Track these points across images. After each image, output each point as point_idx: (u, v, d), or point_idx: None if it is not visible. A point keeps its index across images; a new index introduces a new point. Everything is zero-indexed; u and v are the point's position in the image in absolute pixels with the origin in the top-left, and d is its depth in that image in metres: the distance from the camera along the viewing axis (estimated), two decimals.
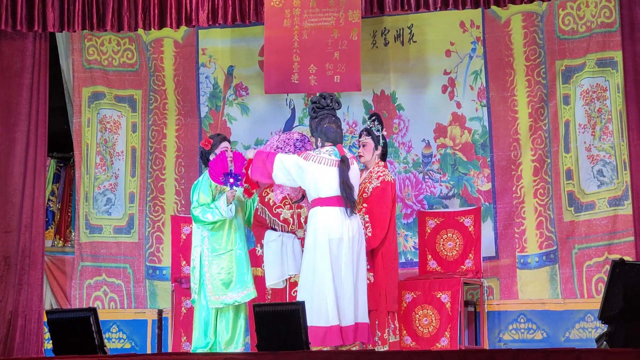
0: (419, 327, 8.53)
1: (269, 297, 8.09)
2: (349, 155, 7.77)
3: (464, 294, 8.60)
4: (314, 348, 7.12)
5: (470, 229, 8.89)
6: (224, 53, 9.90)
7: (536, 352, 6.17)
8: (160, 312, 9.49)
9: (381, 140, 8.15)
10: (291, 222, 8.07)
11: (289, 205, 8.08)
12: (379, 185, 7.95)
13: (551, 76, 9.07)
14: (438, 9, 8.53)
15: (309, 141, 8.07)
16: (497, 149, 9.22)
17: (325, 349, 7.39)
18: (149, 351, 9.38)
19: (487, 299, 8.91)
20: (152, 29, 8.94)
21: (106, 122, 9.84)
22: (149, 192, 9.80)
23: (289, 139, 8.07)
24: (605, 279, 6.77)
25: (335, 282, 7.49)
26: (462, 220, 8.94)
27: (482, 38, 9.31)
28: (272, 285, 7.95)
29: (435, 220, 9.04)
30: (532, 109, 9.13)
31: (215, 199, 7.97)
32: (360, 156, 8.15)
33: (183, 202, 9.69)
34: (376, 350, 7.61)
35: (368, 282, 7.77)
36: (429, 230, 9.02)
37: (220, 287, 7.90)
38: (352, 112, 9.65)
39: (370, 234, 7.84)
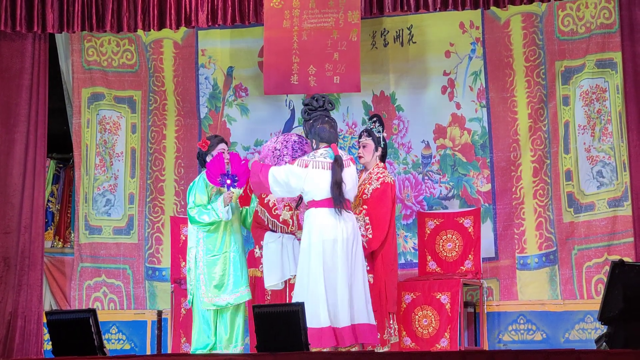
0: (419, 328, 8.53)
1: (269, 298, 8.09)
2: (345, 156, 7.76)
3: (463, 295, 8.60)
4: (313, 349, 7.11)
5: (469, 230, 8.89)
6: (223, 54, 9.90)
7: (536, 353, 6.17)
8: (159, 313, 9.49)
9: (382, 142, 8.14)
10: (290, 223, 8.07)
11: (288, 207, 8.08)
12: (378, 186, 7.94)
13: (551, 77, 9.07)
14: (437, 9, 8.53)
15: (307, 143, 8.06)
16: (497, 150, 9.22)
17: (324, 350, 7.38)
18: (148, 352, 9.38)
19: (486, 300, 8.90)
20: (152, 29, 8.95)
21: (106, 123, 9.84)
22: (149, 193, 9.80)
23: (287, 141, 8.07)
24: (605, 279, 6.77)
25: (328, 284, 7.47)
26: (461, 221, 8.94)
27: (481, 39, 9.31)
28: (271, 286, 7.94)
29: (435, 221, 9.04)
30: (532, 109, 9.13)
31: (212, 200, 7.98)
32: (360, 157, 8.14)
33: (182, 203, 9.68)
34: (376, 351, 7.60)
35: (368, 283, 7.77)
36: (428, 231, 9.02)
37: (213, 289, 7.90)
38: (352, 113, 9.65)
39: (370, 236, 7.83)
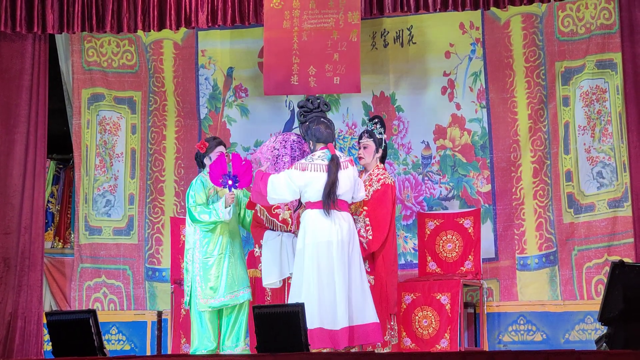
0: (419, 328, 8.53)
1: (269, 299, 8.09)
2: (344, 157, 7.75)
3: (463, 296, 8.60)
4: (313, 350, 7.11)
5: (469, 231, 8.89)
6: (223, 54, 9.90)
7: (536, 353, 6.17)
8: (159, 314, 9.49)
9: (383, 143, 8.13)
10: (290, 222, 8.08)
11: (287, 206, 8.08)
12: (379, 188, 7.94)
13: (551, 78, 9.07)
14: (437, 10, 8.54)
15: (306, 142, 8.07)
16: (497, 151, 9.22)
17: (324, 350, 7.38)
18: (148, 353, 9.37)
19: (486, 301, 8.90)
20: (152, 30, 8.95)
21: (106, 124, 9.84)
22: (149, 193, 9.80)
23: (285, 141, 8.06)
24: (605, 280, 6.77)
25: (323, 286, 7.46)
26: (461, 222, 8.94)
27: (481, 39, 9.31)
28: (269, 284, 7.94)
29: (435, 221, 9.04)
30: (532, 110, 9.13)
31: (210, 200, 7.98)
32: (360, 158, 8.13)
33: (182, 203, 9.68)
34: (376, 352, 7.59)
35: (369, 284, 7.76)
36: (428, 232, 9.02)
37: (208, 290, 7.90)
38: (352, 113, 9.65)
39: (370, 237, 7.83)
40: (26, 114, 9.26)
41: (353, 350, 7.59)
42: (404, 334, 8.49)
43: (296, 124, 9.63)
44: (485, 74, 9.29)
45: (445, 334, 8.42)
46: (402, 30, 9.52)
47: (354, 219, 7.77)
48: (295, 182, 7.59)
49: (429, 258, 8.96)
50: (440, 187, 9.39)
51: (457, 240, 8.91)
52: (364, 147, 8.10)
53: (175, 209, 9.72)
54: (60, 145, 10.23)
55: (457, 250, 8.90)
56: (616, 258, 8.09)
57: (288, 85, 8.54)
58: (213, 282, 7.91)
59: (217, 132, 9.67)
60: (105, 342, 7.33)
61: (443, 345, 8.41)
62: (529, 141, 9.12)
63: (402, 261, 9.26)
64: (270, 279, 7.92)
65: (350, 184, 7.67)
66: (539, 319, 8.85)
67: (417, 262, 9.08)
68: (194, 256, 7.98)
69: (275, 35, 8.51)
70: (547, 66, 9.08)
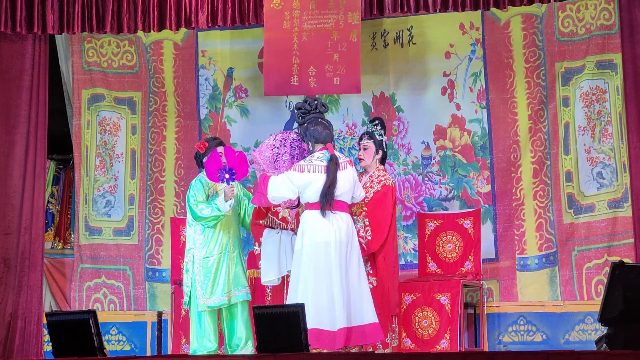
0: (419, 329, 8.53)
1: (269, 300, 8.09)
2: (343, 158, 7.75)
3: (463, 296, 8.60)
4: (313, 350, 7.11)
5: (469, 231, 8.88)
6: (223, 55, 9.90)
7: (536, 354, 6.17)
8: (159, 314, 9.49)
9: (383, 145, 8.13)
10: (289, 220, 8.08)
11: (287, 205, 8.07)
12: (379, 189, 7.94)
13: (551, 78, 9.07)
14: (437, 10, 8.54)
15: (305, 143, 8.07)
16: (497, 151, 9.22)
17: (324, 351, 7.38)
18: (148, 353, 9.37)
19: (486, 301, 8.90)
20: (152, 30, 8.95)
21: (106, 124, 9.84)
22: (149, 194, 9.80)
23: (285, 139, 8.06)
24: (605, 281, 6.77)
25: (319, 287, 7.46)
26: (461, 222, 8.94)
27: (481, 40, 9.31)
28: (267, 282, 7.94)
29: (435, 222, 9.03)
30: (532, 111, 9.13)
31: (210, 200, 8.00)
32: (360, 159, 8.13)
33: (182, 204, 9.68)
34: (377, 353, 7.59)
35: (371, 286, 7.77)
36: (428, 232, 9.02)
37: (208, 290, 7.91)
38: (352, 114, 9.65)
39: (369, 238, 7.83)
40: (26, 114, 9.26)
41: (353, 350, 7.58)
42: (404, 334, 8.49)
43: (296, 124, 9.63)
44: (485, 74, 9.29)
45: (445, 335, 8.42)
46: (402, 31, 9.52)
47: (354, 220, 7.77)
48: (294, 183, 7.60)
49: (429, 258, 8.96)
50: (440, 187, 9.39)
51: (457, 240, 8.91)
52: (364, 149, 8.10)
53: (175, 210, 9.72)
54: (61, 145, 10.23)
55: (457, 251, 8.90)
56: (616, 258, 8.09)
57: (288, 86, 8.54)
58: (213, 282, 7.92)
59: (217, 132, 9.67)
60: (105, 343, 7.33)
61: (443, 345, 8.40)
62: (529, 142, 9.12)
63: (402, 262, 9.25)
64: (268, 277, 7.91)
65: (349, 185, 7.67)
66: (539, 319, 8.84)
67: (417, 262, 9.08)
68: (194, 256, 8.00)
69: (275, 35, 8.51)
70: (547, 67, 9.08)
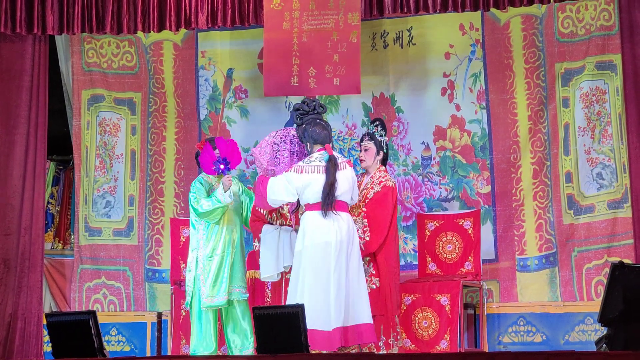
0: (419, 329, 8.53)
1: (269, 300, 8.09)
2: (342, 158, 7.75)
3: (463, 297, 8.60)
4: (313, 351, 7.11)
5: (469, 232, 8.88)
6: (223, 56, 9.90)
7: (536, 354, 6.17)
8: (159, 315, 9.49)
9: (383, 146, 8.13)
10: (289, 217, 8.08)
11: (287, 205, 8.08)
12: (379, 190, 7.94)
13: (550, 79, 9.07)
14: (437, 11, 8.54)
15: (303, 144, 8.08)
16: (497, 152, 9.22)
17: (324, 351, 7.38)
18: (148, 354, 9.37)
19: (486, 302, 8.90)
20: (152, 31, 8.95)
21: (106, 125, 9.85)
22: (149, 194, 9.80)
23: (285, 136, 8.07)
24: (605, 281, 6.77)
25: (317, 287, 7.47)
26: (461, 223, 8.94)
27: (481, 40, 9.31)
28: (266, 278, 7.94)
29: (435, 222, 9.04)
30: (532, 111, 9.13)
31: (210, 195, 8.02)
32: (361, 160, 8.13)
33: (182, 204, 9.69)
34: (377, 353, 7.59)
35: (374, 286, 7.77)
36: (428, 233, 9.02)
37: (212, 289, 7.91)
38: (352, 114, 9.65)
39: (368, 238, 7.83)
40: (26, 115, 9.26)
41: (353, 351, 7.58)
42: (404, 335, 8.49)
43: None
44: (485, 75, 9.29)
45: (445, 335, 8.42)
46: (402, 32, 9.52)
47: (353, 220, 7.77)
48: (293, 184, 7.59)
49: (429, 259, 8.96)
50: (440, 188, 9.39)
51: (457, 241, 8.91)
52: (365, 150, 8.10)
53: (175, 210, 9.72)
54: (60, 146, 10.23)
55: (457, 252, 8.90)
56: (616, 259, 8.10)
57: (288, 86, 8.54)
58: (216, 281, 7.92)
59: (217, 133, 9.67)
60: (105, 343, 7.33)
61: (443, 346, 8.40)
62: (529, 142, 9.12)
63: (402, 262, 9.24)
64: (267, 272, 7.91)
65: (348, 185, 7.67)
66: (538, 320, 8.84)
67: (417, 263, 9.08)
68: (197, 256, 7.99)
69: (275, 36, 8.51)
70: (547, 67, 9.09)
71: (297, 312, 6.73)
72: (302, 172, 7.62)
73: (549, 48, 9.08)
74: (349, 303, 7.51)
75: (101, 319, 7.47)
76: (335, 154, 7.71)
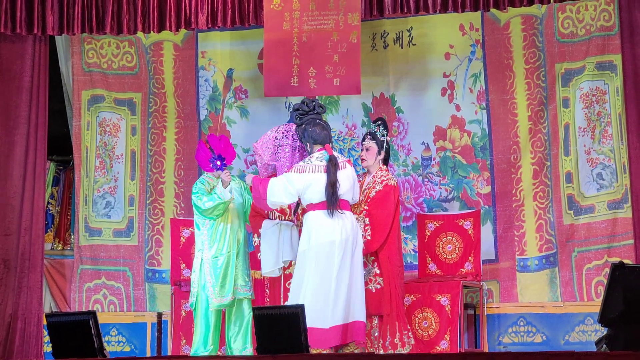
0: (419, 330, 8.53)
1: (268, 300, 8.08)
2: (341, 158, 7.76)
3: (463, 297, 8.60)
4: (313, 351, 7.11)
5: (469, 232, 8.88)
6: (223, 56, 9.90)
7: (536, 355, 6.17)
8: (159, 315, 9.49)
9: (385, 146, 8.14)
10: (288, 212, 8.08)
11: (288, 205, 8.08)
12: (381, 189, 7.94)
13: (551, 79, 9.07)
14: (437, 11, 8.54)
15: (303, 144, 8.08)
16: (497, 152, 9.22)
17: (324, 351, 7.38)
18: (148, 354, 9.37)
19: (486, 302, 8.90)
20: (152, 32, 8.95)
21: (106, 125, 9.85)
22: (149, 195, 9.80)
23: (287, 131, 8.07)
24: (605, 282, 6.77)
25: (319, 286, 7.47)
26: (461, 223, 8.94)
27: (481, 41, 9.31)
28: (267, 273, 7.94)
29: (435, 223, 9.04)
30: (532, 112, 9.13)
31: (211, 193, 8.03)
32: (363, 160, 8.14)
33: (182, 205, 9.69)
34: (377, 353, 7.59)
35: (378, 286, 7.78)
36: (428, 233, 9.02)
37: (220, 289, 7.91)
38: (352, 115, 9.65)
39: (369, 237, 7.84)
40: (26, 115, 9.26)
41: (357, 350, 7.59)
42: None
43: None
44: (485, 75, 9.29)
45: (445, 335, 8.42)
46: (402, 32, 9.52)
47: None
48: (294, 185, 7.59)
49: (429, 259, 8.97)
50: (440, 188, 9.39)
51: (457, 241, 8.91)
52: (367, 149, 8.11)
53: (175, 211, 9.72)
54: (60, 146, 10.23)
55: (457, 252, 8.90)
56: (616, 259, 8.09)
57: (288, 87, 8.54)
58: (223, 281, 7.92)
59: (217, 133, 9.66)
60: (105, 344, 7.33)
61: (443, 346, 8.41)
62: (529, 143, 9.12)
63: (403, 262, 9.25)
64: (268, 267, 7.91)
65: (349, 184, 7.69)
66: (539, 320, 8.84)
67: (417, 263, 9.08)
68: (203, 257, 7.99)
69: (275, 36, 8.51)
70: (547, 68, 9.09)
71: (297, 312, 6.73)
72: (303, 171, 7.62)
73: (549, 48, 9.08)
74: (349, 300, 7.52)
75: (101, 319, 7.47)
76: (335, 153, 7.71)
